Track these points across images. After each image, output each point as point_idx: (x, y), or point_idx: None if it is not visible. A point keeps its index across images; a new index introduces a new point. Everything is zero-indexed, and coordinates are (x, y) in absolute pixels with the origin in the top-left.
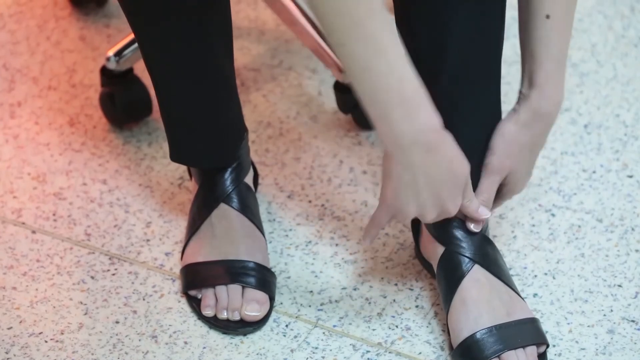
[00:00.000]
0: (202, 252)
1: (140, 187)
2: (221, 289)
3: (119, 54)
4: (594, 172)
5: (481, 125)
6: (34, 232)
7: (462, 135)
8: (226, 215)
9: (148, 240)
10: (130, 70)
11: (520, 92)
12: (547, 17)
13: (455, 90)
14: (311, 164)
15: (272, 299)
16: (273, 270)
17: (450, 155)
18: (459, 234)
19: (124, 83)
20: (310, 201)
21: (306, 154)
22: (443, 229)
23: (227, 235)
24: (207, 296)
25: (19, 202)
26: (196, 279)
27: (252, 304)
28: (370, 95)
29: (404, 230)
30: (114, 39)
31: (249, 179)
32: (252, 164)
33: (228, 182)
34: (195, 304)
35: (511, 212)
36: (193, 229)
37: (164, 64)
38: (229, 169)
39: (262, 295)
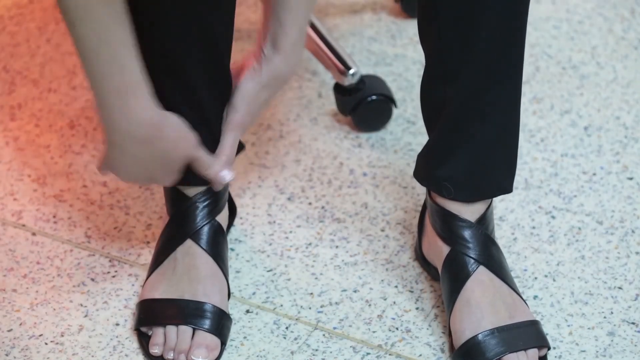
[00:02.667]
0: (160, 288)
1: (140, 190)
2: (171, 329)
3: None
4: (594, 174)
5: (498, 124)
6: (34, 234)
7: (478, 133)
8: (190, 252)
9: (148, 242)
10: None
11: (262, 52)
12: None
13: (476, 89)
14: (311, 166)
15: (223, 344)
16: (273, 272)
17: (166, 145)
18: (465, 234)
19: None
20: (310, 203)
21: (306, 156)
22: (450, 229)
23: (187, 274)
24: (157, 334)
25: (19, 205)
26: (149, 315)
27: (200, 349)
28: (93, 80)
29: (404, 232)
30: None
31: (222, 218)
32: (231, 199)
33: (199, 218)
34: (144, 341)
35: (511, 214)
36: (156, 263)
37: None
38: (201, 205)
39: (212, 340)
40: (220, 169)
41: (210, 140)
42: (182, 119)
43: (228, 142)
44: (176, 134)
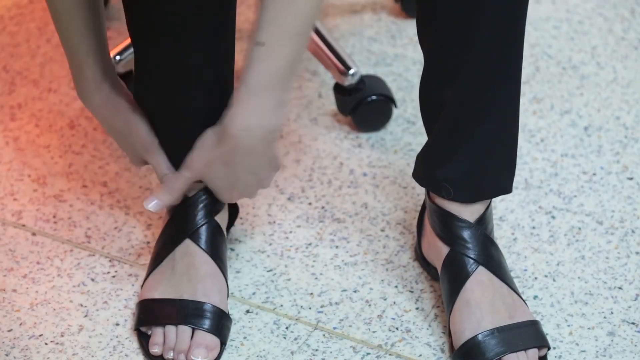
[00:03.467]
0: (160, 288)
1: (140, 190)
2: (170, 329)
3: (119, 56)
4: (594, 174)
5: (498, 125)
6: (34, 234)
7: (477, 134)
8: (189, 252)
9: (148, 242)
10: (131, 72)
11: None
12: (259, 43)
13: (475, 90)
14: (311, 166)
15: (223, 344)
16: (273, 272)
17: (119, 129)
18: (465, 234)
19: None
20: (310, 203)
21: (306, 156)
22: (449, 230)
23: (186, 274)
24: (156, 334)
25: (19, 205)
26: (148, 316)
27: (200, 349)
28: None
29: (404, 232)
30: (114, 41)
31: (221, 218)
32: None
33: (197, 218)
34: (144, 341)
35: (511, 214)
36: (155, 263)
37: (160, 64)
38: (200, 205)
39: (212, 340)
40: (162, 188)
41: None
42: (139, 119)
43: (175, 177)
44: (125, 127)
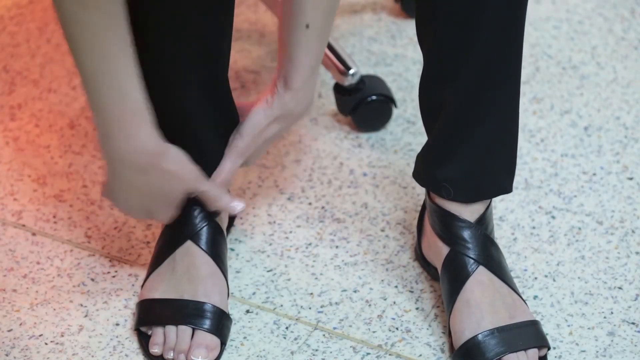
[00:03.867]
0: (160, 288)
1: None
2: (170, 329)
3: None
4: (594, 174)
5: (498, 125)
6: (34, 234)
7: (477, 134)
8: (190, 253)
9: (148, 242)
10: None
11: (276, 88)
12: (307, 26)
13: (475, 90)
14: (311, 166)
15: (223, 344)
16: (273, 272)
17: (165, 176)
18: (465, 234)
19: None
20: (310, 203)
21: (306, 156)
22: (449, 230)
23: (186, 274)
24: (156, 334)
25: (19, 205)
26: (148, 315)
27: (200, 349)
28: (95, 107)
29: (404, 232)
30: None
31: (222, 219)
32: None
33: (198, 220)
34: (144, 341)
35: (511, 214)
36: (155, 263)
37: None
38: (200, 207)
39: (212, 340)
40: (230, 200)
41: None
42: (183, 152)
43: (226, 166)
44: (176, 165)
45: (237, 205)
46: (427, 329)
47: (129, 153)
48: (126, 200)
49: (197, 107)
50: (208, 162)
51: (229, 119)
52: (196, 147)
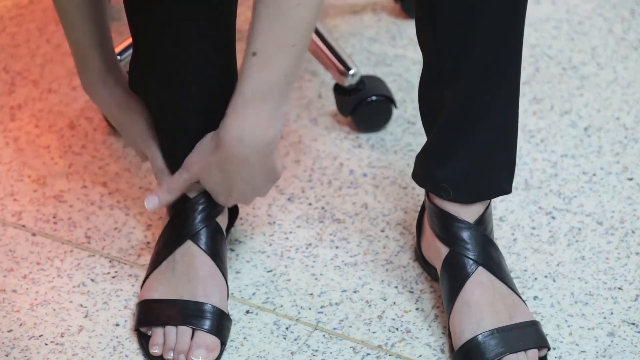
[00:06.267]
0: (160, 288)
1: (140, 190)
2: (170, 330)
3: (119, 56)
4: (594, 174)
5: (497, 125)
6: (34, 234)
7: (476, 135)
8: (189, 253)
9: (148, 243)
10: None
11: None
12: (254, 54)
13: (474, 90)
14: (311, 166)
15: (223, 344)
16: (273, 273)
17: (118, 118)
18: (464, 235)
19: None
20: (310, 204)
21: (306, 156)
22: (448, 230)
23: (186, 274)
24: (156, 334)
25: (19, 205)
26: (148, 316)
27: (200, 349)
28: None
29: (404, 232)
30: (114, 41)
31: (221, 219)
32: None
33: (198, 220)
34: (144, 342)
35: (511, 215)
36: (155, 263)
37: (163, 64)
38: (201, 207)
39: (212, 341)
40: (162, 187)
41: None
42: (138, 110)
43: (175, 176)
44: (128, 119)
45: (150, 200)
46: (427, 329)
47: (88, 94)
48: (107, 115)
49: (200, 105)
50: None
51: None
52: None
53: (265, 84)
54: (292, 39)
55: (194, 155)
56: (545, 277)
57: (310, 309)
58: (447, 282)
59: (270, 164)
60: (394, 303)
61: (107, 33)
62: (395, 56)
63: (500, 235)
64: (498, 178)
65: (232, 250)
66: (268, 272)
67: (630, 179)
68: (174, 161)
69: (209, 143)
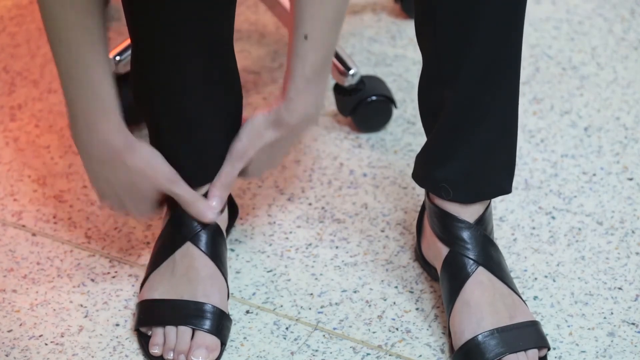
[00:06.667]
0: (160, 288)
1: None
2: (170, 330)
3: (119, 56)
4: (594, 174)
5: (497, 125)
6: (34, 234)
7: (476, 135)
8: (189, 254)
9: (148, 243)
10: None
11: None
12: (305, 37)
13: (474, 90)
14: (311, 166)
15: (223, 344)
16: (273, 273)
17: (132, 173)
18: (464, 235)
19: (124, 86)
20: (310, 204)
21: (306, 156)
22: (448, 230)
23: (186, 275)
24: (156, 335)
25: (19, 205)
26: (148, 316)
27: (200, 349)
28: (66, 95)
29: (404, 232)
30: (114, 42)
31: (221, 220)
32: (232, 200)
33: (197, 221)
34: (144, 342)
35: (511, 215)
36: (155, 264)
37: (163, 64)
38: None
39: (212, 341)
40: (204, 208)
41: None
42: (156, 152)
43: (225, 169)
44: (143, 164)
45: (210, 215)
46: (427, 329)
47: (92, 146)
48: (102, 191)
49: (201, 106)
50: (211, 163)
51: (234, 122)
52: (200, 148)
53: (321, 62)
54: (338, 17)
55: (246, 142)
56: (545, 277)
57: (310, 309)
58: (447, 282)
59: None
60: (394, 303)
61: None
62: (395, 56)
63: (500, 235)
64: (498, 178)
65: (232, 250)
66: (268, 272)
67: (630, 179)
68: (176, 165)
69: (261, 126)
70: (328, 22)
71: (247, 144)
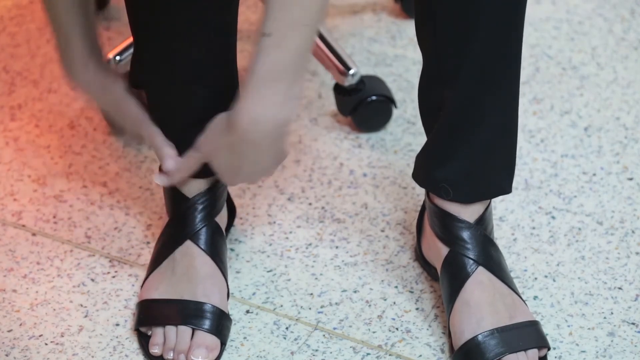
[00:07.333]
0: (160, 288)
1: (140, 190)
2: (170, 330)
3: (119, 56)
4: (594, 174)
5: (497, 125)
6: (34, 234)
7: (476, 135)
8: (189, 253)
9: (148, 242)
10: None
11: None
12: (267, 34)
13: (474, 90)
14: (311, 166)
15: (223, 344)
16: (273, 272)
17: (108, 102)
18: (464, 235)
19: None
20: (310, 204)
21: (306, 156)
22: (448, 230)
23: (186, 274)
24: (156, 334)
25: (19, 205)
26: (148, 316)
27: (200, 349)
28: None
29: (404, 232)
30: (114, 41)
31: (221, 219)
32: (230, 200)
33: (198, 220)
34: (144, 341)
35: (511, 215)
36: (155, 263)
37: (165, 62)
38: (200, 207)
39: (212, 340)
40: (165, 155)
41: None
42: (126, 95)
43: (186, 156)
44: (115, 105)
45: (168, 163)
46: (427, 329)
47: (70, 78)
48: (96, 101)
49: (202, 105)
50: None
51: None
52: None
53: (279, 64)
54: (305, 18)
55: (204, 136)
56: (545, 277)
57: (310, 308)
58: (447, 281)
59: (281, 145)
60: (394, 303)
61: (91, 16)
62: (395, 56)
63: (500, 235)
64: (498, 178)
65: (232, 250)
66: (268, 272)
67: (630, 179)
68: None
69: (220, 124)
70: (294, 22)
71: (205, 137)
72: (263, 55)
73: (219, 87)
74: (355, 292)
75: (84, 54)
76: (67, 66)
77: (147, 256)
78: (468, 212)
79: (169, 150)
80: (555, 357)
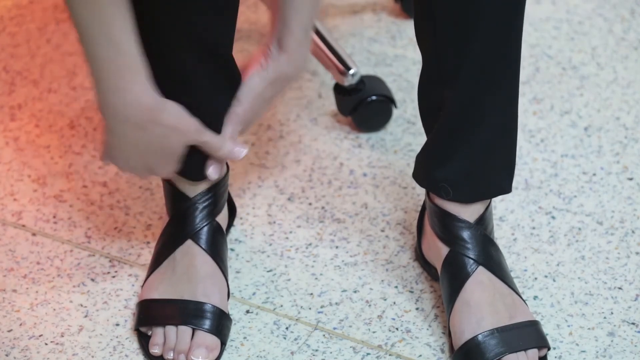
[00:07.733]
0: (160, 288)
1: (140, 190)
2: (171, 330)
3: None
4: (594, 174)
5: (497, 125)
6: (34, 234)
7: (476, 134)
8: (190, 252)
9: (148, 242)
10: None
11: (269, 51)
12: None
13: (474, 90)
14: (311, 166)
15: (223, 344)
16: (273, 272)
17: (164, 130)
18: (464, 235)
19: None
20: (310, 203)
21: (306, 156)
22: (448, 230)
23: (186, 274)
24: (156, 334)
25: (19, 205)
26: (148, 316)
27: (200, 349)
28: (91, 63)
29: (404, 232)
30: None
31: (222, 218)
32: (231, 199)
33: (198, 219)
34: (144, 341)
35: (511, 215)
36: (156, 263)
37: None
38: (201, 206)
39: (212, 340)
40: (233, 146)
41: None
42: (182, 107)
43: (227, 132)
44: (174, 119)
45: (241, 152)
46: (427, 329)
47: (124, 108)
48: (126, 159)
49: (202, 104)
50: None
51: (233, 87)
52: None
53: (313, 15)
54: None
55: (244, 105)
56: (545, 277)
57: (310, 308)
58: (447, 281)
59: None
60: (394, 303)
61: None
62: (395, 56)
63: (500, 235)
64: (498, 178)
65: (232, 250)
66: (268, 272)
67: (630, 179)
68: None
69: (261, 86)
70: None
71: (247, 106)
72: (299, 9)
73: (220, 85)
74: (355, 292)
75: (143, 66)
76: (133, 89)
77: (147, 256)
78: (468, 212)
79: (232, 143)
80: (555, 357)
